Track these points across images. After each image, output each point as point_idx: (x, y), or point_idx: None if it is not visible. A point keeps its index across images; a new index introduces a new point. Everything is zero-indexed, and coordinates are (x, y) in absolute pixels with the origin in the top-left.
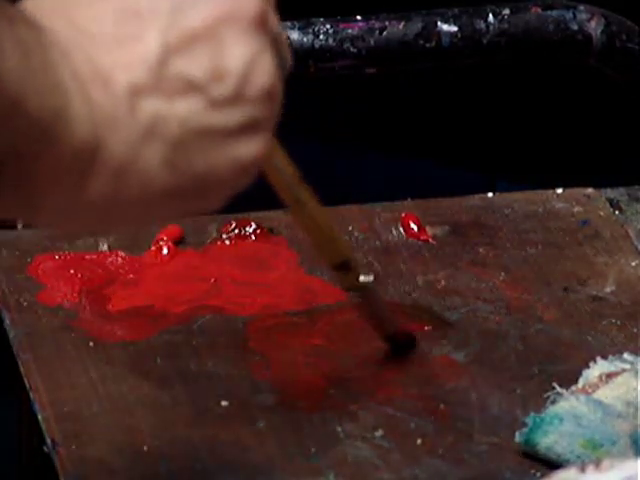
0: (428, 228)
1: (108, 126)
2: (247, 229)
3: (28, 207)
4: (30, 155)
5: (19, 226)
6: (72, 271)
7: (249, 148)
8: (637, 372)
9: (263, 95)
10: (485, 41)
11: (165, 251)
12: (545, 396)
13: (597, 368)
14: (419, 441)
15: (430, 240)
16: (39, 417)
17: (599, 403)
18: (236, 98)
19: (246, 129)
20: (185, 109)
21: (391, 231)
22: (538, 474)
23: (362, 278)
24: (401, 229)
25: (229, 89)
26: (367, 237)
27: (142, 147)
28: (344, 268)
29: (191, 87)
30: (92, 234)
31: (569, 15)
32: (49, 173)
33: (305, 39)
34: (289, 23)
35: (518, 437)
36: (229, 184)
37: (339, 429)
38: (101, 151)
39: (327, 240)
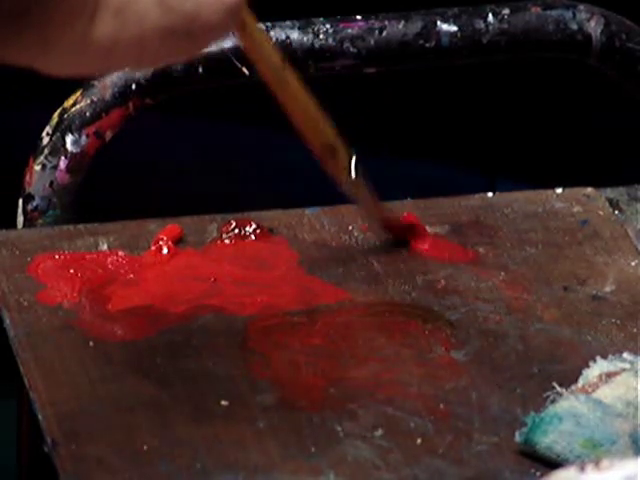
0: (428, 228)
1: None
2: (247, 229)
3: (44, 47)
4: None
5: (19, 226)
6: (72, 271)
7: None
8: (637, 372)
9: None
10: (485, 41)
11: (165, 251)
12: (545, 396)
13: (597, 368)
14: (419, 441)
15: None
16: (39, 417)
17: (599, 403)
18: None
19: None
20: None
21: None
22: (538, 474)
23: (348, 163)
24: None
25: None
26: (367, 237)
27: None
28: (331, 151)
29: None
30: (96, 75)
31: (569, 15)
32: (64, 15)
33: (305, 39)
34: (289, 23)
35: (518, 437)
36: (216, 26)
37: (339, 429)
38: None
39: (312, 121)
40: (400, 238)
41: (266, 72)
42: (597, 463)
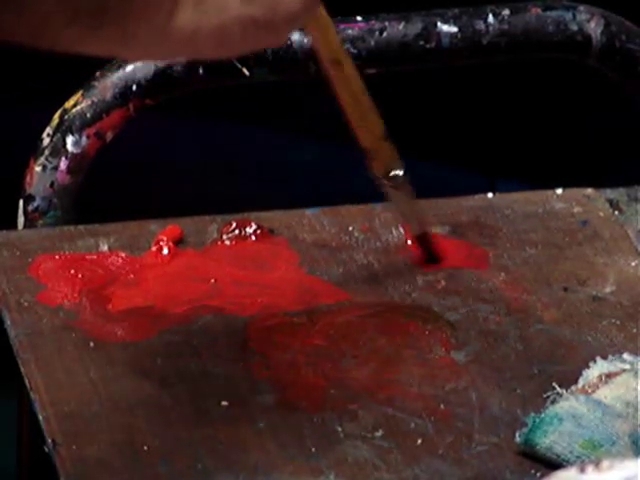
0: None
1: None
2: (247, 229)
3: (123, 40)
4: None
5: (20, 227)
6: (72, 271)
7: None
8: (637, 372)
9: None
10: (485, 42)
11: (165, 251)
12: (545, 396)
13: (597, 368)
14: (419, 441)
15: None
16: (39, 417)
17: (599, 403)
18: None
19: None
20: None
21: (391, 231)
22: (538, 474)
23: (392, 169)
24: (401, 229)
25: None
26: (367, 237)
27: None
28: (377, 148)
29: None
30: (184, 59)
31: (569, 16)
32: (143, 8)
33: (306, 40)
34: None
35: (518, 437)
36: (296, 16)
37: (339, 429)
38: None
39: (363, 115)
40: (427, 252)
41: (325, 61)
42: (597, 464)
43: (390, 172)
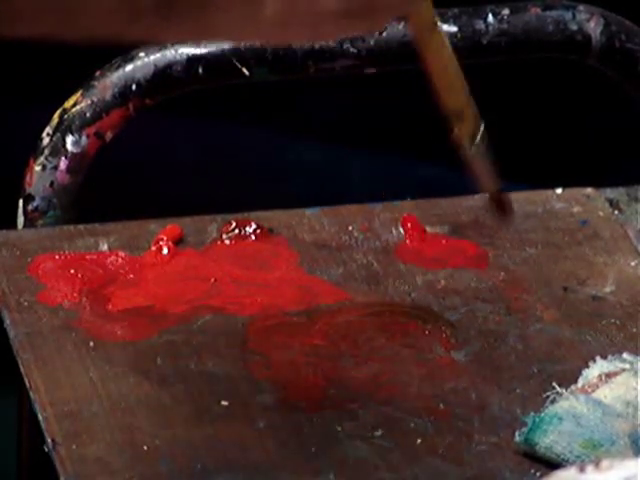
0: (428, 228)
1: None
2: (247, 229)
3: (203, 32)
4: None
5: (19, 226)
6: (72, 271)
7: None
8: (636, 372)
9: None
10: (485, 41)
11: (165, 251)
12: (545, 396)
13: (597, 368)
14: (419, 441)
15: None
16: (39, 417)
17: (598, 403)
18: None
19: None
20: None
21: (391, 231)
22: (538, 474)
23: (475, 131)
24: (401, 229)
25: None
26: (367, 237)
27: None
28: (460, 116)
29: None
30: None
31: (568, 15)
32: (225, 2)
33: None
34: None
35: (518, 437)
36: (394, 7)
37: (339, 429)
38: None
39: (450, 83)
40: (502, 214)
41: (420, 27)
42: (597, 463)
43: (474, 136)
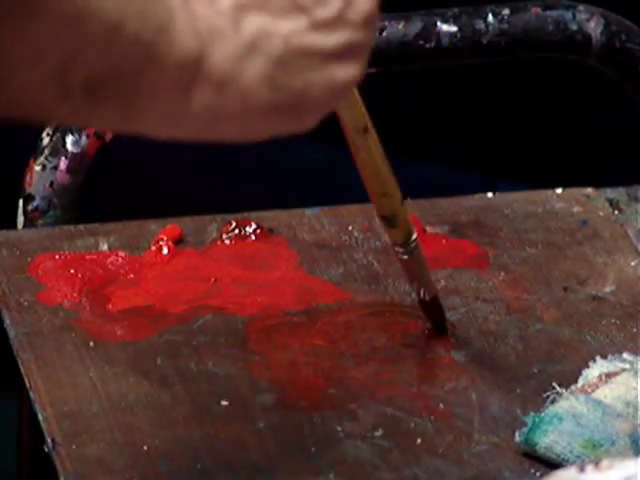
0: (428, 228)
1: (212, 38)
2: (247, 229)
3: (129, 120)
4: (132, 73)
5: (19, 226)
6: (72, 271)
7: (346, 71)
8: (636, 372)
9: (363, 20)
10: (485, 41)
11: (165, 251)
12: (545, 396)
13: (597, 368)
14: (419, 441)
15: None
16: (39, 417)
17: (598, 403)
18: (338, 21)
19: (344, 52)
20: (288, 28)
21: None
22: (538, 474)
23: (408, 236)
24: None
25: (332, 11)
26: (367, 237)
27: (244, 61)
28: (391, 222)
29: (296, 7)
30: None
31: (569, 15)
32: (151, 87)
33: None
34: None
35: (518, 437)
36: (323, 105)
37: (339, 429)
38: (205, 63)
39: (381, 189)
40: (432, 319)
41: (351, 129)
42: (597, 463)
43: (409, 238)
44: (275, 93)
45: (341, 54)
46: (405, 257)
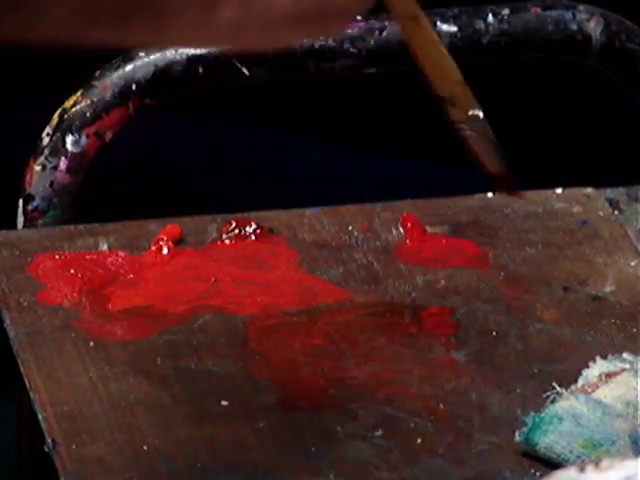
0: (428, 228)
1: None
2: (247, 229)
3: (157, 36)
4: None
5: (19, 226)
6: (72, 271)
7: None
8: (637, 372)
9: None
10: (485, 41)
11: (165, 251)
12: (545, 396)
13: (597, 368)
14: (419, 441)
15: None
16: (39, 417)
17: (598, 403)
18: None
19: None
20: None
21: (391, 231)
22: (538, 474)
23: (471, 112)
24: (401, 229)
25: None
26: (367, 237)
27: None
28: (452, 101)
29: None
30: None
31: (568, 15)
32: (178, 8)
33: (305, 39)
34: None
35: (518, 437)
36: (349, 11)
37: (339, 429)
38: None
39: (439, 69)
40: (509, 192)
41: (402, 17)
42: (597, 463)
43: (470, 114)
44: (299, 3)
45: None
46: (469, 133)
